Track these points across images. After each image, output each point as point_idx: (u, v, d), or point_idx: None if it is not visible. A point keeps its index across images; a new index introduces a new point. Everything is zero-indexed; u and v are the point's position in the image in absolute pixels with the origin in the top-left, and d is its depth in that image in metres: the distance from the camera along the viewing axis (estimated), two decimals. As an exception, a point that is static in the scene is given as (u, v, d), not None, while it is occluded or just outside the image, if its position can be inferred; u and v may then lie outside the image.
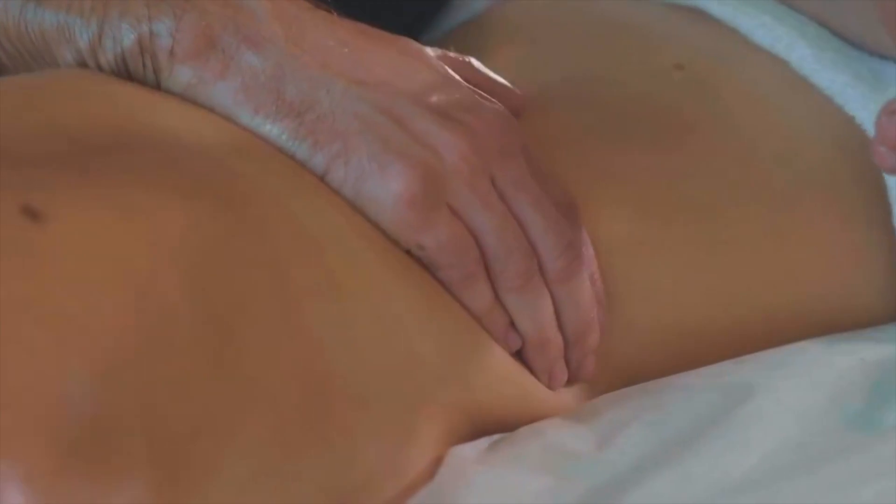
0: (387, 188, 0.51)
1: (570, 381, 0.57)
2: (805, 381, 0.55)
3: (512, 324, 0.54)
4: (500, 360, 0.55)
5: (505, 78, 0.65)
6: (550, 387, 0.56)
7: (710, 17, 0.70)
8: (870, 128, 0.63)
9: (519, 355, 0.55)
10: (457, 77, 0.56)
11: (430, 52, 0.57)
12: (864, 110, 0.64)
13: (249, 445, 0.44)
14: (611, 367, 0.58)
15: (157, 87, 0.53)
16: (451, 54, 0.58)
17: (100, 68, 0.53)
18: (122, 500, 0.39)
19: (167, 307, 0.43)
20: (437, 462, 0.52)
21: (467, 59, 0.59)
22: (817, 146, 0.64)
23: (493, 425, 0.55)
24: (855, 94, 0.65)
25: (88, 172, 0.46)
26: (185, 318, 0.43)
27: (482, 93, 0.56)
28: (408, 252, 0.52)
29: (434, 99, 0.54)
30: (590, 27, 0.72)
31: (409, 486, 0.51)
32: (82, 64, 0.53)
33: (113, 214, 0.44)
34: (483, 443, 0.54)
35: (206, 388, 0.43)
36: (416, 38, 0.57)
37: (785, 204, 0.63)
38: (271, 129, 0.52)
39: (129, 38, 0.52)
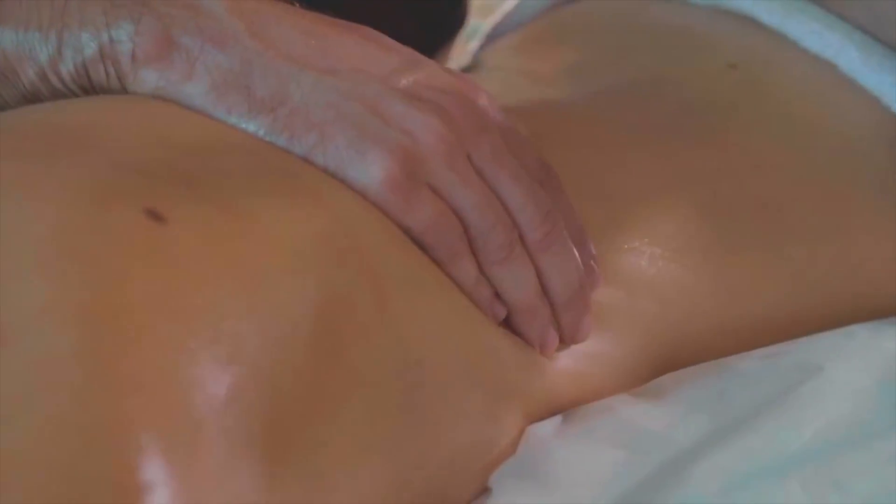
0: (367, 174, 0.51)
1: (565, 345, 0.57)
2: (856, 364, 0.58)
3: (497, 295, 0.54)
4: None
5: (563, 81, 0.69)
6: (543, 353, 0.56)
7: (758, 24, 0.72)
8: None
9: (507, 324, 0.55)
10: (422, 57, 0.56)
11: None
12: (911, 109, 0.67)
13: (352, 425, 0.47)
14: (687, 352, 0.61)
15: (122, 92, 0.52)
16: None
17: (61, 81, 0.52)
18: (246, 473, 0.43)
19: (280, 301, 0.46)
20: (517, 438, 0.56)
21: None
22: (868, 143, 0.67)
23: (568, 405, 0.58)
24: (902, 94, 0.68)
25: (197, 179, 0.48)
26: (296, 311, 0.46)
27: (449, 69, 0.57)
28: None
29: (404, 81, 0.54)
30: (642, 30, 0.75)
31: (492, 462, 0.54)
32: (43, 79, 0.52)
33: (225, 216, 0.47)
34: (557, 420, 0.57)
35: (314, 374, 0.46)
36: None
37: (842, 198, 0.65)
38: (247, 126, 0.52)
39: (89, 48, 0.52)
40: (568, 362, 0.58)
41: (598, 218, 0.60)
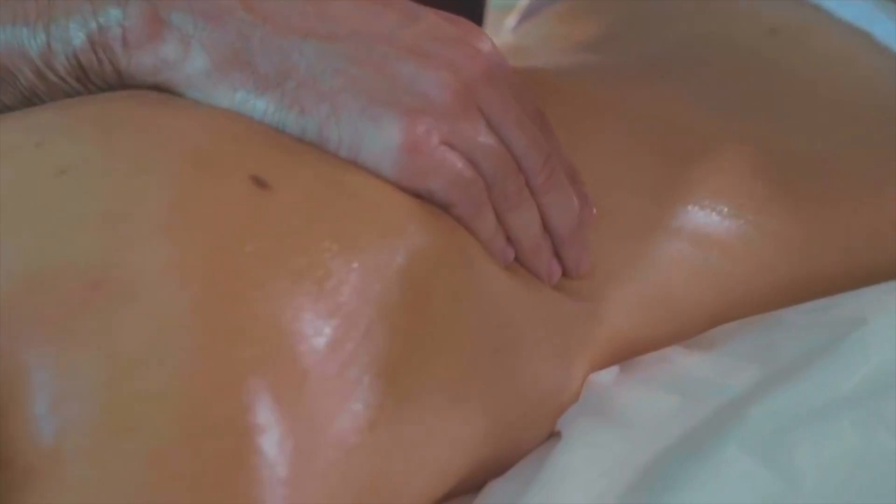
0: (384, 140, 0.51)
1: (570, 276, 0.59)
2: (897, 316, 0.61)
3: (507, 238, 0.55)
4: (628, 295, 0.61)
5: (609, 48, 0.71)
6: (550, 282, 0.58)
7: None
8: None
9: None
10: (420, 7, 0.55)
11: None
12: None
13: (444, 377, 0.50)
14: (748, 308, 0.63)
15: (118, 80, 0.52)
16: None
17: (57, 75, 0.51)
18: (347, 418, 0.46)
19: (375, 263, 0.49)
20: (581, 387, 0.59)
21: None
22: None
23: (627, 356, 0.61)
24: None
25: (291, 148, 0.51)
26: (389, 272, 0.49)
27: (449, 15, 0.56)
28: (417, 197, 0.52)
29: (407, 38, 0.53)
30: None
31: (560, 408, 0.58)
32: (39, 75, 0.51)
33: (323, 183, 0.50)
34: (615, 369, 0.61)
35: (408, 329, 0.49)
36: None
37: (884, 157, 0.68)
38: (256, 104, 0.51)
39: (78, 38, 0.50)
40: (629, 315, 0.61)
41: (666, 176, 0.63)
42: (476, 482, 0.54)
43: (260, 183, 0.48)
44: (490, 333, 0.53)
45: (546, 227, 0.57)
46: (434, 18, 0.55)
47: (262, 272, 0.46)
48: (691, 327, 0.63)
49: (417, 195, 0.52)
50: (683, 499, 0.49)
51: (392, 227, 0.51)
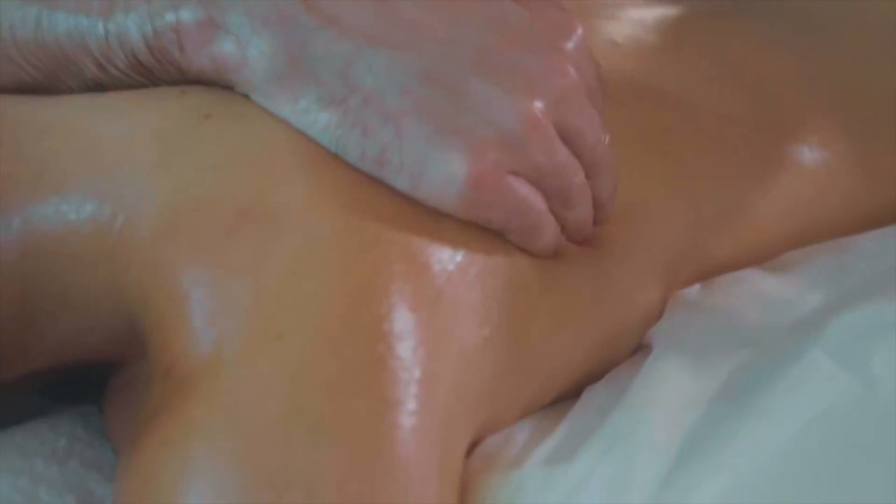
0: (449, 172, 0.48)
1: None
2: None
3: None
4: (714, 220, 0.64)
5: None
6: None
7: None
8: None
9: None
10: (507, 3, 0.52)
11: None
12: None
13: (551, 305, 0.54)
14: (822, 230, 0.67)
15: (183, 77, 0.51)
16: None
17: (119, 70, 0.51)
18: (471, 333, 0.50)
19: None
20: (664, 304, 0.63)
21: None
22: None
23: (708, 274, 0.65)
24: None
25: None
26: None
27: (538, 3, 0.53)
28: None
29: (487, 45, 0.50)
30: None
31: (648, 323, 0.62)
32: (101, 69, 0.51)
33: None
34: (696, 288, 0.65)
35: (522, 271, 0.53)
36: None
37: None
38: (318, 118, 0.49)
39: (135, 39, 0.50)
40: (712, 238, 0.65)
41: (755, 108, 0.67)
42: (575, 389, 0.58)
43: None
44: (594, 268, 0.57)
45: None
46: (516, 10, 0.52)
47: (397, 206, 0.50)
48: (768, 251, 0.67)
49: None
50: (773, 399, 0.52)
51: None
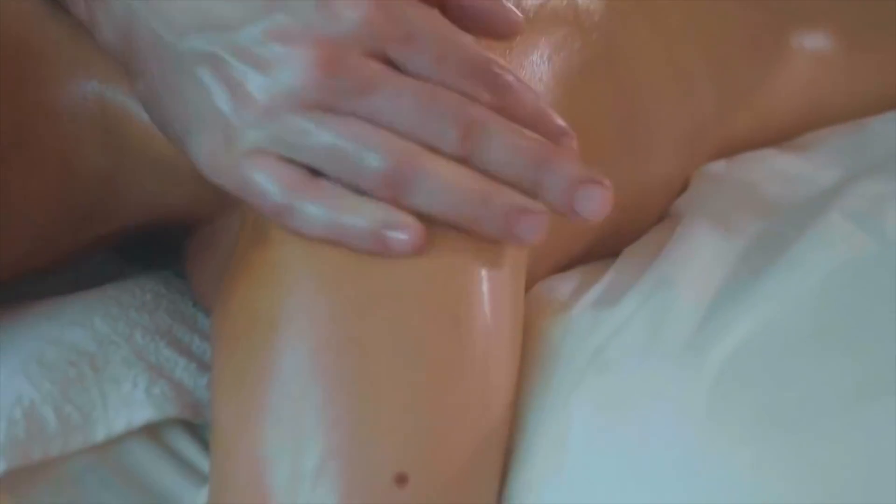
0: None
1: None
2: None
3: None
4: (738, 100, 0.69)
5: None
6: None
7: None
8: None
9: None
10: None
11: None
12: None
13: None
14: (837, 113, 0.72)
15: None
16: None
17: None
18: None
19: None
20: (690, 177, 0.69)
21: None
22: None
23: (730, 152, 0.70)
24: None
25: None
26: None
27: None
28: None
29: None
30: None
31: (675, 193, 0.67)
32: None
33: None
34: (721, 161, 0.70)
35: None
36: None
37: None
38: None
39: None
40: (738, 117, 0.70)
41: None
42: (603, 249, 0.63)
43: None
44: (624, 122, 0.61)
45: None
46: None
47: None
48: (783, 128, 0.72)
49: None
50: (797, 253, 0.57)
51: None
